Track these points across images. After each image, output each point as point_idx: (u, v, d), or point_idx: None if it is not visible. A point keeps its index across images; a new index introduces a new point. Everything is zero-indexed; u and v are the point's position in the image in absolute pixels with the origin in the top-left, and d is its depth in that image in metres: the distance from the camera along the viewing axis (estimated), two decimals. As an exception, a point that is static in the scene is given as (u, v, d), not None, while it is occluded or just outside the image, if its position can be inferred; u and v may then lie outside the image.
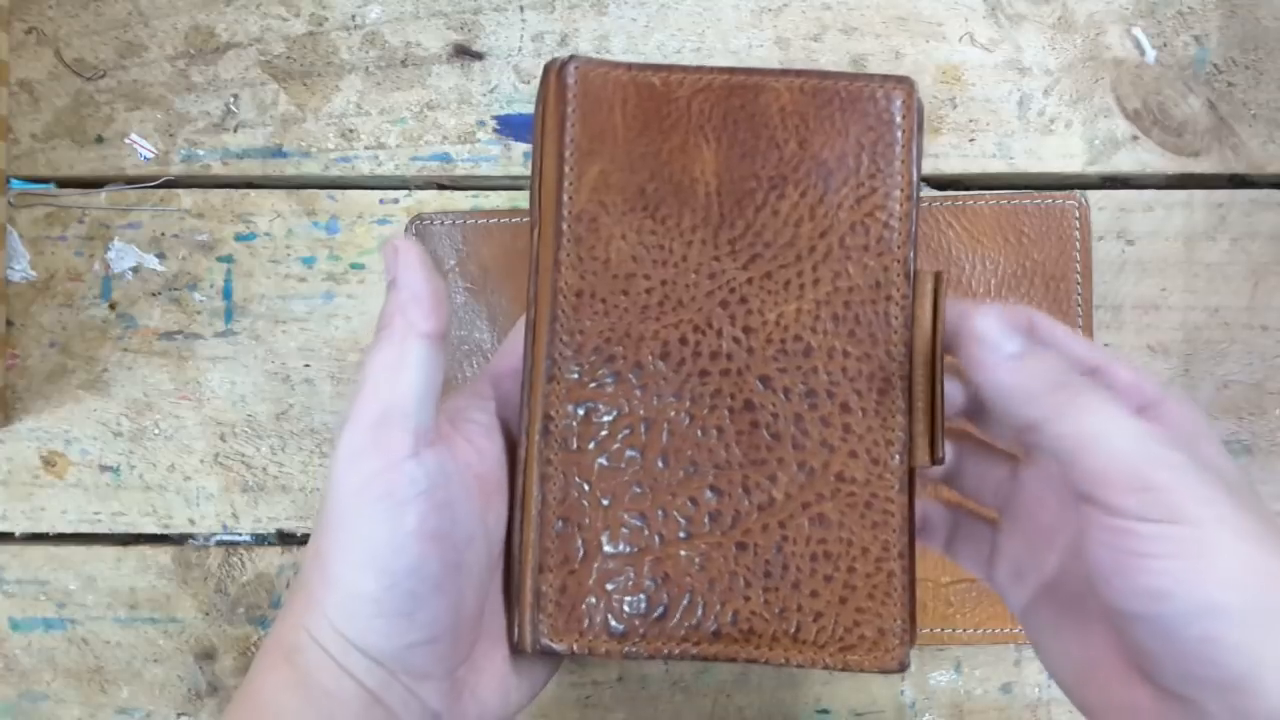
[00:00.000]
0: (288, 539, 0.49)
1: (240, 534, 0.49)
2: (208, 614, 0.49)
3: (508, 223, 0.48)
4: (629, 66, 0.34)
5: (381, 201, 0.49)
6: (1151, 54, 0.47)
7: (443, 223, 0.48)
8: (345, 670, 0.30)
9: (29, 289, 0.49)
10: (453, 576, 0.31)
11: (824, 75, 0.34)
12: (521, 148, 0.48)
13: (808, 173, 0.34)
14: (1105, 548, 0.28)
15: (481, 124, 0.49)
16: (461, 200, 0.49)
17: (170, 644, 0.49)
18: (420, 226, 0.48)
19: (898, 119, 0.34)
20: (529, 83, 0.48)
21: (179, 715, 0.49)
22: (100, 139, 0.49)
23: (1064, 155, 0.48)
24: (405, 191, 0.49)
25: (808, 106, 0.34)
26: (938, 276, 0.33)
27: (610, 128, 0.34)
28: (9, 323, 0.49)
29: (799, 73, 0.34)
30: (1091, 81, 0.48)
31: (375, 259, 0.49)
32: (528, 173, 0.48)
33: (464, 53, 0.49)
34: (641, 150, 0.34)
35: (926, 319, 0.33)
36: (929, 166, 0.48)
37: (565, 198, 0.34)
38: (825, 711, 0.48)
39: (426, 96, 0.49)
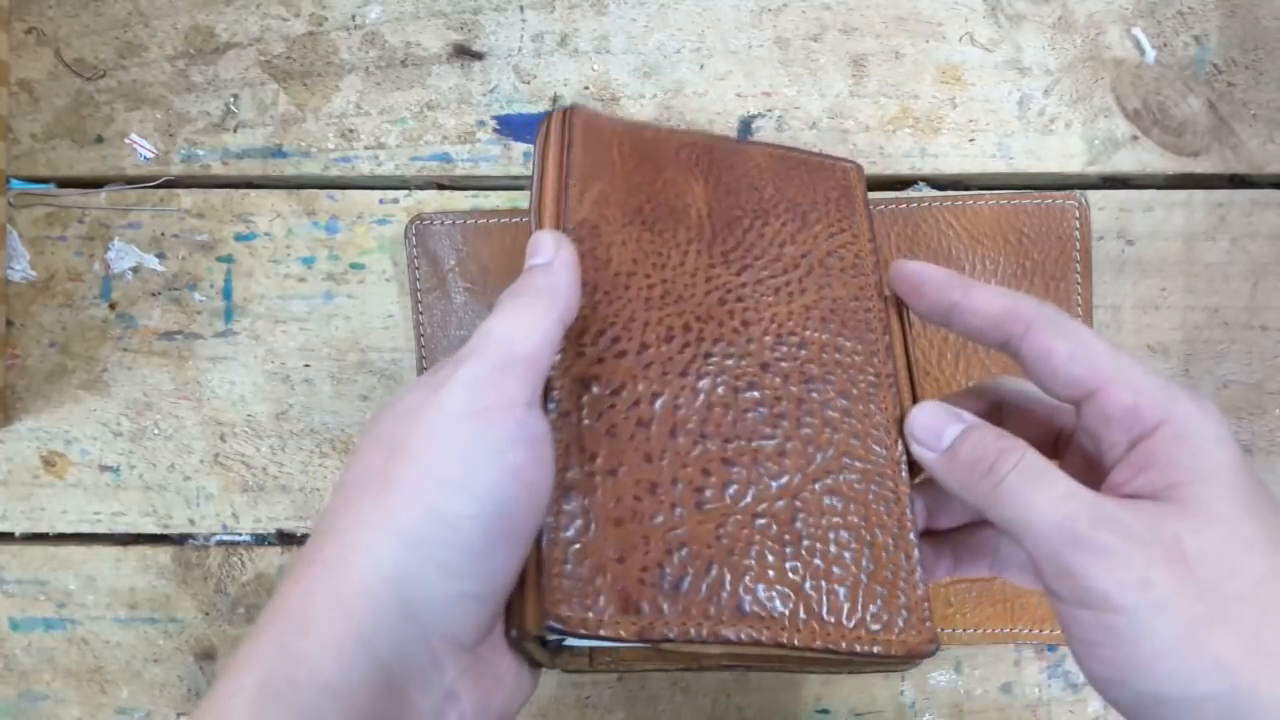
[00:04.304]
0: (288, 539, 0.49)
1: (240, 534, 0.49)
2: (207, 614, 0.49)
3: (507, 222, 0.48)
4: (622, 121, 0.39)
5: (381, 201, 0.49)
6: (1151, 54, 0.47)
7: (442, 223, 0.48)
8: (366, 641, 0.26)
9: (29, 289, 0.49)
10: (522, 536, 0.29)
11: (789, 149, 0.41)
12: (521, 147, 0.48)
13: (786, 209, 0.38)
14: (1065, 630, 0.28)
15: (481, 124, 0.49)
16: (461, 200, 0.49)
17: (170, 644, 0.49)
18: (420, 226, 0.48)
19: (854, 185, 0.40)
20: (529, 83, 0.48)
21: (179, 715, 0.49)
22: (100, 139, 0.49)
23: (1064, 155, 0.48)
24: (405, 191, 0.49)
25: (779, 166, 0.40)
26: (899, 300, 0.36)
27: (609, 160, 0.37)
28: (9, 323, 0.49)
29: (768, 144, 0.41)
30: (1091, 81, 0.48)
31: (375, 259, 0.49)
32: (528, 172, 0.48)
33: (464, 53, 0.49)
34: (638, 179, 0.37)
35: (898, 331, 0.36)
36: (929, 166, 0.48)
37: (568, 207, 0.35)
38: (825, 711, 0.48)
39: (426, 96, 0.49)
